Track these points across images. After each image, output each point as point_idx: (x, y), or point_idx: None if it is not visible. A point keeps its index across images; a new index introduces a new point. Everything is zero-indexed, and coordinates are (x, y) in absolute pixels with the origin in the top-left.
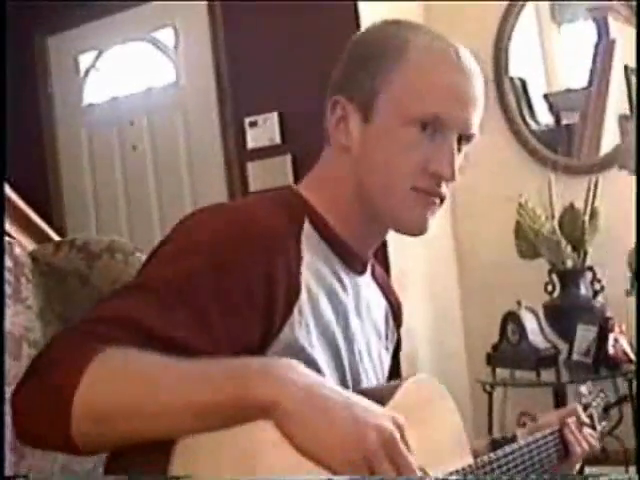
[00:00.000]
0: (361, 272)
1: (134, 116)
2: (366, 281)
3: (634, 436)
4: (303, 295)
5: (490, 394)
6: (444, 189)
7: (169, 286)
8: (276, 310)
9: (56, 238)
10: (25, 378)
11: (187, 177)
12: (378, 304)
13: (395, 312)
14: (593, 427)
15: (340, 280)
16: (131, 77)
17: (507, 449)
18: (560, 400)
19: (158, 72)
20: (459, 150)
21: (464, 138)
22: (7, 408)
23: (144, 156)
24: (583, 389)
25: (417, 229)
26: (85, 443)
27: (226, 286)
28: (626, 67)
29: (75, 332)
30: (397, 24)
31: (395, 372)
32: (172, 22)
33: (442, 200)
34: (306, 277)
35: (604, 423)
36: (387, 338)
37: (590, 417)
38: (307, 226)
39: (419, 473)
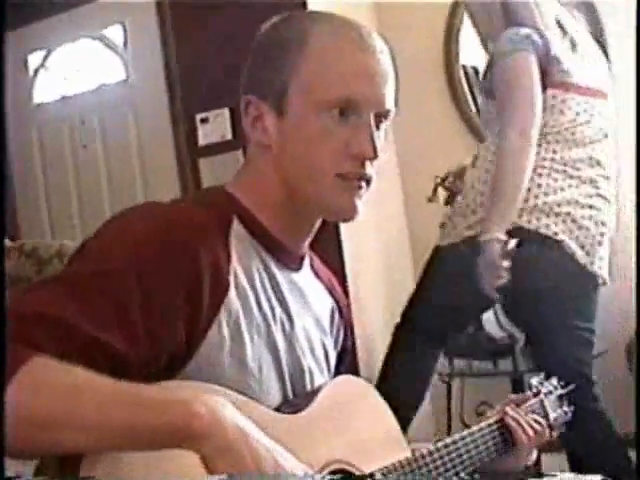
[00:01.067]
0: (297, 268)
1: (85, 114)
2: (304, 277)
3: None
4: (232, 293)
5: (449, 384)
6: (369, 170)
7: (92, 283)
8: (202, 310)
9: (7, 241)
10: None
11: (139, 175)
12: (321, 300)
13: (341, 309)
14: (545, 415)
15: (273, 277)
16: (81, 75)
17: (446, 441)
18: (518, 389)
19: (108, 70)
20: (377, 128)
21: (381, 115)
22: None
23: (95, 154)
24: (534, 381)
25: (347, 214)
26: (12, 447)
27: (149, 285)
28: None
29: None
30: (298, 15)
31: (353, 367)
32: (121, 19)
33: (369, 182)
34: (235, 274)
35: (559, 411)
36: (333, 335)
37: (541, 403)
38: (236, 224)
39: None
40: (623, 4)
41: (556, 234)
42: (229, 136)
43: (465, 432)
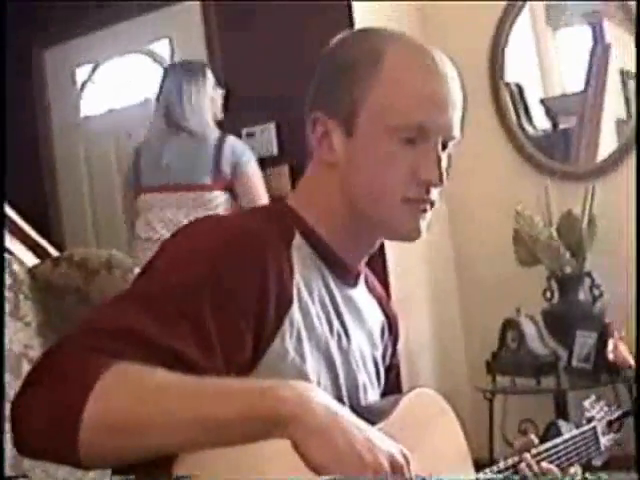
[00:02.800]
0: (353, 284)
1: (131, 128)
2: (359, 293)
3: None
4: (294, 305)
5: (491, 402)
6: (434, 194)
7: (168, 297)
8: (267, 321)
9: (55, 253)
10: (25, 389)
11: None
12: (374, 316)
13: (391, 325)
14: (596, 441)
15: (332, 292)
16: (128, 89)
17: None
18: (561, 406)
19: (154, 84)
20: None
21: (447, 141)
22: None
23: None
24: (586, 404)
25: (411, 236)
26: (90, 457)
27: (222, 299)
28: (622, 71)
29: (78, 344)
30: (370, 33)
31: (396, 382)
32: (168, 34)
33: (432, 205)
34: (298, 288)
35: (609, 436)
36: (383, 350)
37: (594, 431)
38: (298, 238)
39: None
40: None
41: None
42: (275, 151)
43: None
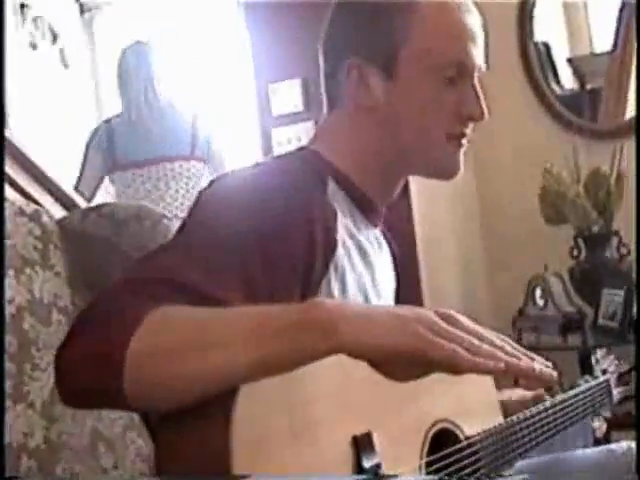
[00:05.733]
0: (377, 225)
1: None
2: (380, 232)
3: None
4: (339, 251)
5: None
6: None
7: (213, 248)
8: (315, 269)
9: (84, 205)
10: (70, 336)
11: None
12: (388, 252)
13: (395, 254)
14: (610, 393)
15: (365, 234)
16: None
17: (533, 410)
18: (586, 364)
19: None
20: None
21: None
22: (20, 407)
23: None
24: (598, 356)
25: (454, 172)
26: (137, 395)
27: (269, 247)
28: None
29: (120, 291)
30: None
31: None
32: None
33: (468, 140)
34: (340, 233)
35: (620, 389)
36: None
37: (607, 383)
38: (331, 183)
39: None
40: None
41: None
42: (301, 107)
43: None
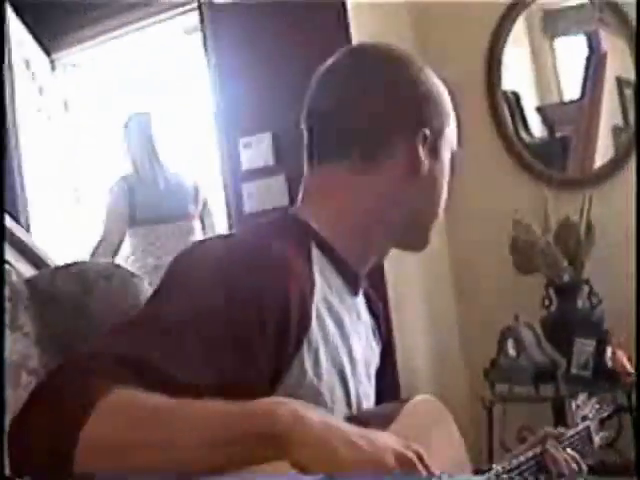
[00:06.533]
0: (357, 293)
1: None
2: (360, 300)
3: (634, 447)
4: (313, 324)
5: (490, 409)
6: None
7: (180, 324)
8: (288, 343)
9: (54, 263)
10: (25, 410)
11: None
12: (368, 319)
13: (379, 323)
14: (590, 440)
15: (344, 303)
16: None
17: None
18: (559, 414)
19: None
20: None
21: None
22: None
23: None
24: (579, 401)
25: (426, 246)
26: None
27: (239, 321)
28: (618, 79)
29: (80, 367)
30: (404, 61)
31: (394, 389)
32: None
33: None
34: (317, 304)
35: (601, 434)
36: (379, 351)
37: (587, 430)
38: (315, 251)
39: None
40: None
41: None
42: (271, 161)
43: (499, 467)
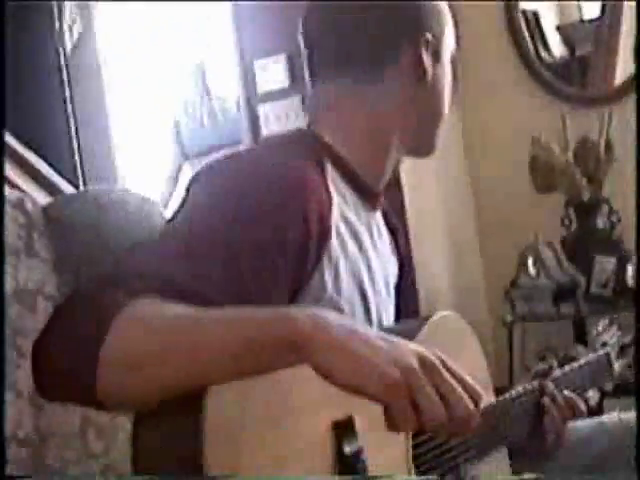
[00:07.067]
0: (376, 208)
1: None
2: (378, 216)
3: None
4: (333, 240)
5: (510, 329)
6: None
7: (200, 240)
8: (308, 258)
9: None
10: (46, 330)
11: None
12: (386, 235)
13: (398, 239)
14: (610, 366)
15: (361, 219)
16: None
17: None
18: (580, 333)
19: None
20: None
21: None
22: (9, 396)
23: None
24: (600, 327)
25: (434, 151)
26: (109, 394)
27: (259, 237)
28: None
29: (99, 285)
30: None
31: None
32: None
33: None
34: (335, 220)
35: (621, 361)
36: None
37: (607, 356)
38: (329, 167)
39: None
40: None
41: None
42: (287, 83)
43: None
